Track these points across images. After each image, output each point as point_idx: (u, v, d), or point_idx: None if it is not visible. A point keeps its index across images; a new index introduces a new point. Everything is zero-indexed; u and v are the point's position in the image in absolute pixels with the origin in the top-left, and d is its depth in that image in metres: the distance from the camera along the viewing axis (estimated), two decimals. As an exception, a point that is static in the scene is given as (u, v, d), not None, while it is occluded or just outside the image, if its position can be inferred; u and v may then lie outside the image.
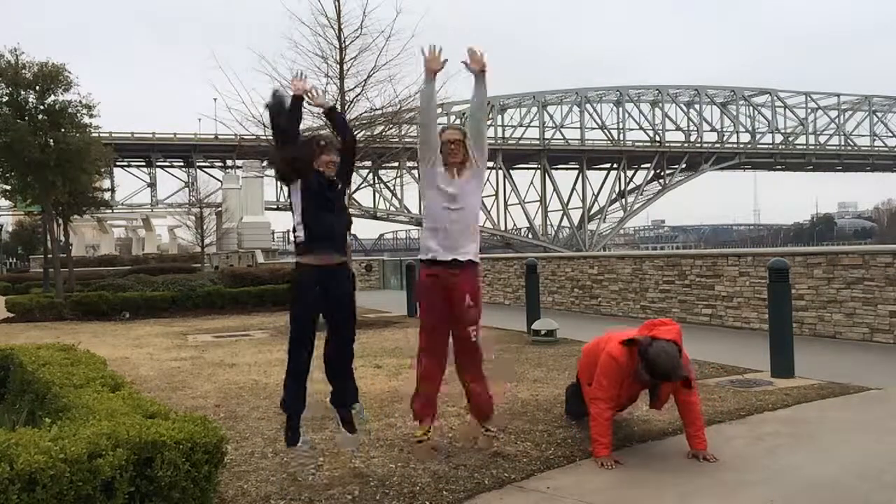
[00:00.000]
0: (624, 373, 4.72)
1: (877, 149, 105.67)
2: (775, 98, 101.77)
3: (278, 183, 68.20)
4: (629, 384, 4.79)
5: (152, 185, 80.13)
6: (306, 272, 4.69)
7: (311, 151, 4.69)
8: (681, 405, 4.83)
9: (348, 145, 4.98)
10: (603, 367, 4.80)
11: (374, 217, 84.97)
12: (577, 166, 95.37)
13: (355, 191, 19.62)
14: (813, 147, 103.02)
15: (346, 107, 14.29)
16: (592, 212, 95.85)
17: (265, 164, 66.24)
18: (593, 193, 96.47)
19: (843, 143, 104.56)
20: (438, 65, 4.99)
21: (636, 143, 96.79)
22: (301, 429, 4.73)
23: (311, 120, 15.08)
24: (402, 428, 5.67)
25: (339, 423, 4.88)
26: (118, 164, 69.37)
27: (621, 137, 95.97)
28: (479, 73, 5.05)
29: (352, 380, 4.94)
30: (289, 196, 4.79)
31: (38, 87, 19.33)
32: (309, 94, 4.84)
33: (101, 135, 29.27)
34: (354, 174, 22.55)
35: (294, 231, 4.76)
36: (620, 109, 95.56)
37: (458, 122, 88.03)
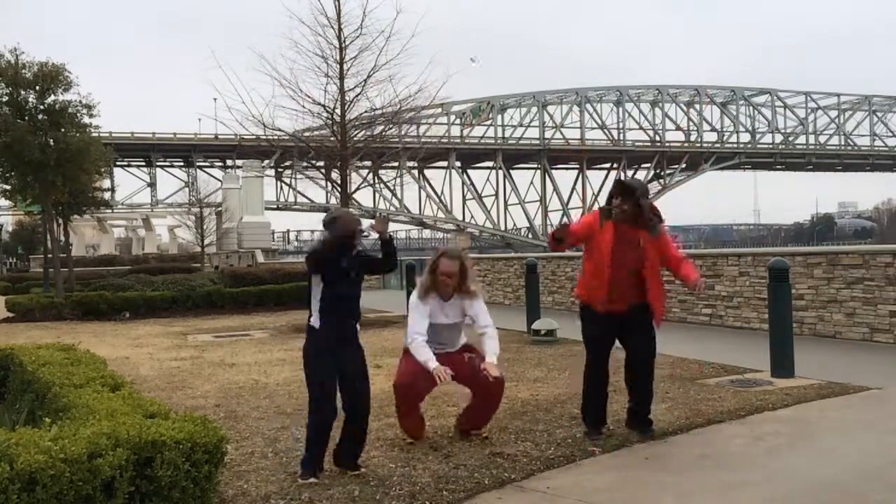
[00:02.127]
0: (595, 224, 5.11)
1: (877, 149, 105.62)
2: (775, 98, 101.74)
3: (279, 182, 67.73)
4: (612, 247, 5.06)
5: (152, 184, 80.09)
6: (322, 337, 4.61)
7: (351, 232, 4.62)
8: (672, 264, 5.30)
9: (384, 265, 4.91)
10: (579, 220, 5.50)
11: (375, 217, 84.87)
12: (577, 166, 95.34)
13: (355, 191, 19.61)
14: (813, 147, 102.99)
15: (346, 107, 14.29)
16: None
17: (266, 163, 66.48)
18: (593, 193, 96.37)
19: (843, 142, 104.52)
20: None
21: (636, 143, 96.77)
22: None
23: (311, 120, 15.13)
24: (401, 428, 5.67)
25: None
26: (118, 164, 69.31)
27: (621, 137, 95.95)
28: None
29: (363, 443, 4.81)
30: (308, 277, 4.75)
31: (38, 87, 19.35)
32: (377, 230, 4.79)
33: (101, 135, 29.27)
34: (354, 174, 22.58)
35: (310, 317, 4.67)
36: (620, 109, 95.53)
37: (457, 121, 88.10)
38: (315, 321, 4.63)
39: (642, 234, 5.08)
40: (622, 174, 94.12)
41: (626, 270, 5.12)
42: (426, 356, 4.93)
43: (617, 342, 5.38)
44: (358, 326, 4.80)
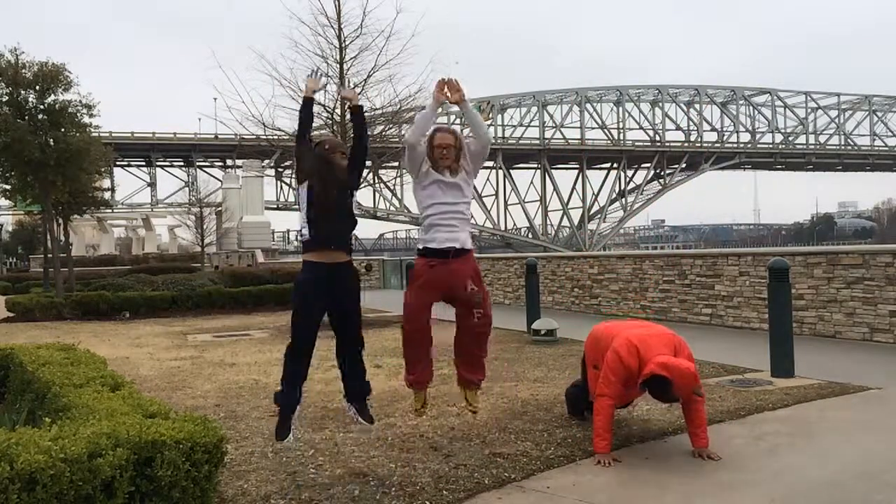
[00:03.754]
0: (630, 373, 4.74)
1: (877, 148, 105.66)
2: (775, 98, 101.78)
3: (279, 182, 67.72)
4: (635, 383, 4.80)
5: (152, 184, 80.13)
6: (313, 268, 4.76)
7: (323, 152, 4.80)
8: (685, 406, 4.86)
9: (362, 149, 5.04)
10: (610, 364, 4.84)
11: (374, 217, 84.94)
12: (577, 166, 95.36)
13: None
14: (813, 147, 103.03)
15: (346, 107, 14.28)
16: (592, 211, 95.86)
17: (266, 163, 66.43)
18: (593, 193, 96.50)
19: (843, 142, 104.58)
20: (451, 97, 5.06)
21: (636, 143, 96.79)
22: (292, 425, 4.86)
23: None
24: (401, 428, 5.67)
25: (356, 415, 5.03)
26: (118, 163, 69.34)
27: (621, 137, 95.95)
28: (462, 102, 5.08)
29: (364, 376, 5.08)
30: (296, 194, 4.92)
31: (38, 87, 19.34)
32: (346, 97, 5.13)
33: (101, 134, 29.24)
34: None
35: (300, 229, 4.83)
36: (620, 109, 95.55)
37: (457, 121, 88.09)
38: (306, 232, 4.76)
39: None
40: (622, 174, 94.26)
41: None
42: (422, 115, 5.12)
43: None
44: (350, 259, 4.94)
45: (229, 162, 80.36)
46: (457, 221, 5.02)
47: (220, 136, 66.64)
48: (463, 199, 5.09)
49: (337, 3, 13.99)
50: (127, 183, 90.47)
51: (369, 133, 14.96)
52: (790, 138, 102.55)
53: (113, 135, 59.09)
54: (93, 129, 21.73)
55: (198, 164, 77.31)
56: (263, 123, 14.45)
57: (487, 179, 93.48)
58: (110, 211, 59.92)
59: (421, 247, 5.11)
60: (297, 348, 4.80)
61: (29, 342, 8.47)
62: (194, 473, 3.24)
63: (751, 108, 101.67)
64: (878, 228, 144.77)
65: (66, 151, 19.20)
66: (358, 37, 13.96)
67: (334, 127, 14.55)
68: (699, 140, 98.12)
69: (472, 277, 5.07)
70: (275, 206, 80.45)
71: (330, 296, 4.78)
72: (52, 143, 19.20)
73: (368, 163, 19.68)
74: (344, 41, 14.00)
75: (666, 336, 4.91)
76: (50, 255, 27.51)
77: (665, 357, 4.63)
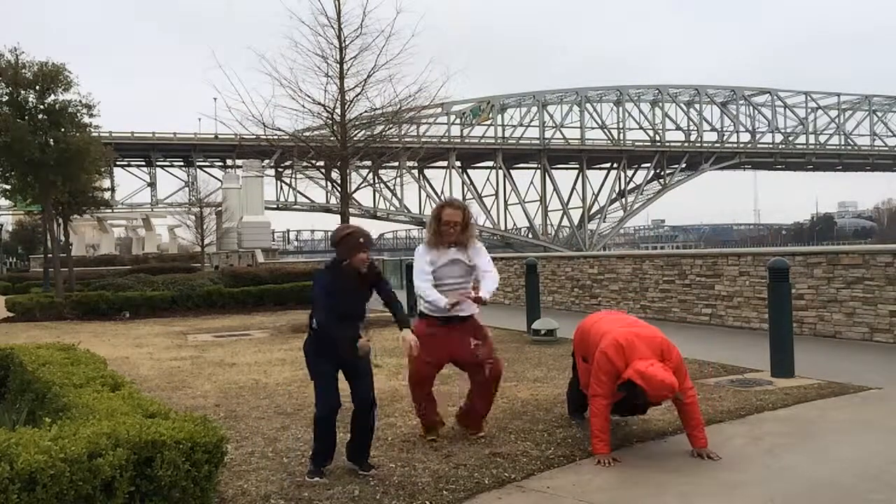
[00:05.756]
0: (619, 372, 4.75)
1: (877, 148, 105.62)
2: (775, 98, 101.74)
3: (279, 182, 67.60)
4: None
5: (152, 184, 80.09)
6: (323, 337, 4.60)
7: (349, 249, 4.57)
8: (679, 408, 4.87)
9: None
10: (599, 364, 4.86)
11: (374, 217, 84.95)
12: (577, 166, 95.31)
13: (355, 191, 19.72)
14: (813, 147, 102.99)
15: (346, 106, 14.27)
16: (592, 211, 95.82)
17: (266, 163, 66.47)
18: (593, 193, 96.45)
19: (843, 142, 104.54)
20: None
21: (636, 143, 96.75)
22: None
23: (311, 120, 15.11)
24: (401, 428, 5.68)
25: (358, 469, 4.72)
26: (118, 163, 69.30)
27: (621, 137, 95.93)
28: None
29: (369, 441, 4.77)
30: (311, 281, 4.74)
31: (38, 87, 19.33)
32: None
33: (101, 134, 29.26)
34: (354, 174, 22.57)
35: (312, 318, 4.66)
36: (620, 109, 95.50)
37: (457, 121, 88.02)
38: (316, 324, 4.63)
39: None
40: (622, 174, 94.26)
41: None
42: (433, 296, 5.03)
43: None
44: (361, 325, 4.77)
45: (229, 162, 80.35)
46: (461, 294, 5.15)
47: (220, 136, 66.59)
48: (468, 277, 5.24)
49: (337, 3, 13.97)
50: (127, 183, 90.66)
51: (369, 133, 15.01)
52: (790, 138, 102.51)
53: (113, 135, 59.05)
54: (93, 129, 21.73)
55: (198, 164, 77.26)
56: (263, 123, 14.42)
57: (487, 179, 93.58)
58: (110, 211, 59.89)
59: (423, 310, 5.22)
60: (320, 408, 4.61)
61: (29, 342, 8.48)
62: (194, 473, 3.24)
63: (751, 108, 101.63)
64: (878, 228, 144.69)
65: (66, 151, 19.20)
66: (358, 37, 13.96)
67: (334, 127, 14.55)
68: (699, 140, 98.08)
69: (475, 335, 5.23)
70: (275, 206, 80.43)
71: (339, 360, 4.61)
72: (52, 143, 19.20)
73: (368, 163, 19.64)
74: (344, 41, 13.99)
75: (653, 339, 4.86)
76: (50, 255, 27.51)
77: (644, 364, 4.61)
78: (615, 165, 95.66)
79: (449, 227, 5.16)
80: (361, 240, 4.59)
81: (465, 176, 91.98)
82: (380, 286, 4.78)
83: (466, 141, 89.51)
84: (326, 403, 4.56)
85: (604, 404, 4.81)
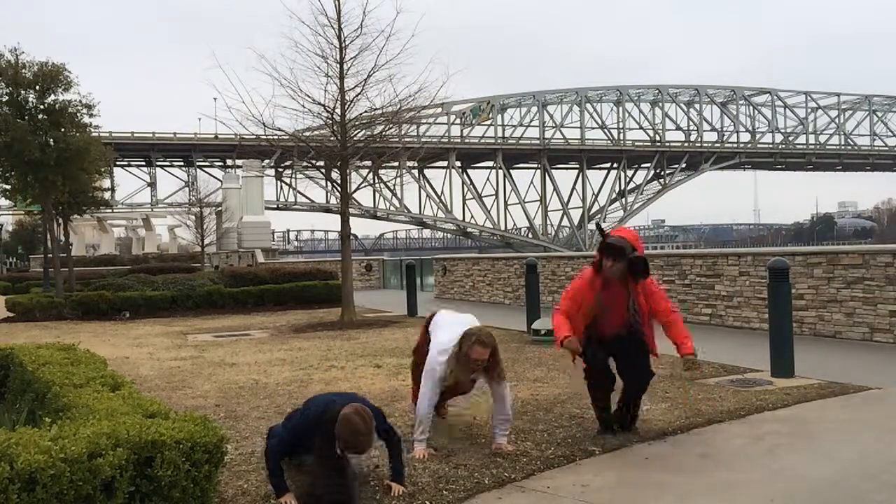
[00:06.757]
0: (586, 284, 5.29)
1: (877, 148, 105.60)
2: (775, 98, 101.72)
3: (279, 182, 67.46)
4: (598, 294, 5.24)
5: (152, 184, 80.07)
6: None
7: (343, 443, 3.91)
8: (665, 324, 5.27)
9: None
10: (571, 284, 5.55)
11: (375, 217, 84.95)
12: (577, 166, 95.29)
13: (355, 191, 19.68)
14: (813, 147, 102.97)
15: (346, 106, 14.27)
16: (592, 211, 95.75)
17: (266, 163, 66.48)
18: (593, 193, 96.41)
19: (843, 142, 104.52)
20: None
21: (636, 143, 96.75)
22: None
23: (311, 120, 15.11)
24: (401, 427, 5.67)
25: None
26: (118, 163, 69.32)
27: (621, 137, 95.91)
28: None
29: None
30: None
31: (38, 87, 19.33)
32: None
33: (101, 134, 29.27)
34: (354, 174, 22.56)
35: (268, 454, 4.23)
36: (620, 109, 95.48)
37: (457, 121, 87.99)
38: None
39: (632, 286, 5.20)
40: (622, 174, 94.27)
41: (611, 315, 5.27)
42: (422, 430, 4.98)
43: None
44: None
45: (229, 162, 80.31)
46: None
47: (219, 136, 66.58)
48: (475, 389, 5.29)
49: (337, 3, 13.98)
50: (127, 183, 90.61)
51: (369, 133, 15.02)
52: (790, 138, 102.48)
53: (113, 135, 59.07)
54: (93, 129, 21.74)
55: (198, 164, 77.23)
56: (263, 123, 14.43)
57: (487, 179, 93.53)
58: (110, 211, 59.92)
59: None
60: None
61: (29, 342, 8.48)
62: (194, 473, 3.24)
63: (751, 108, 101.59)
64: (878, 228, 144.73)
65: (66, 151, 19.20)
66: (358, 37, 13.97)
67: (334, 127, 14.56)
68: (699, 140, 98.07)
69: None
70: (275, 206, 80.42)
71: None
72: (52, 143, 19.19)
73: (368, 163, 19.65)
74: (344, 41, 14.00)
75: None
76: (50, 255, 27.50)
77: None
78: (615, 165, 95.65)
79: (477, 364, 4.84)
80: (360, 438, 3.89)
81: (465, 176, 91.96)
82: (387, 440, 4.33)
83: (466, 141, 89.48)
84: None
85: (560, 311, 5.36)
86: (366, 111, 14.90)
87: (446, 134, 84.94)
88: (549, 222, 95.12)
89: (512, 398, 5.27)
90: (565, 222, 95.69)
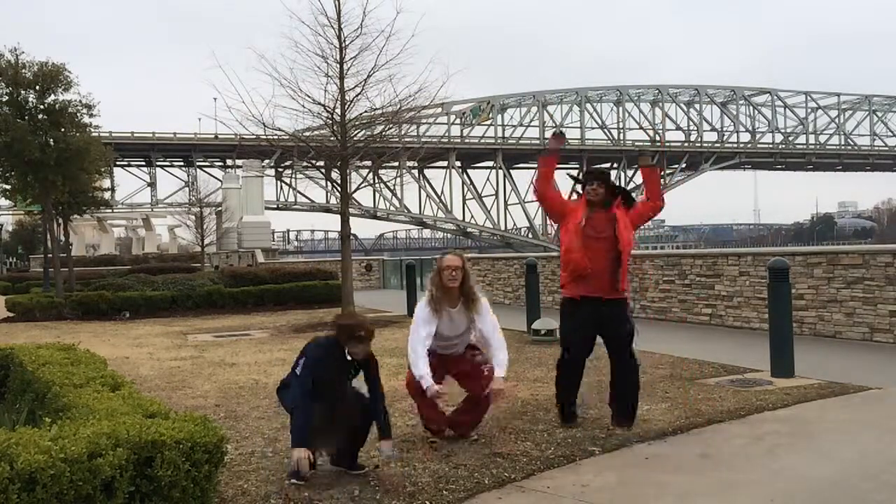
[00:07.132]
0: (575, 204, 5.82)
1: (877, 148, 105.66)
2: (775, 98, 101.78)
3: (279, 182, 67.43)
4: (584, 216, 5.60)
5: (152, 184, 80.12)
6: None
7: (346, 339, 4.51)
8: (650, 205, 5.85)
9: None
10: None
11: (374, 217, 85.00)
12: (578, 166, 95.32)
13: (355, 191, 19.74)
14: (813, 147, 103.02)
15: (346, 106, 14.25)
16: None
17: (266, 163, 66.48)
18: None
19: (843, 142, 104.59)
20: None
21: (636, 143, 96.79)
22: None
23: (311, 120, 15.10)
24: (401, 427, 5.67)
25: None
26: (118, 163, 69.35)
27: (621, 137, 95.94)
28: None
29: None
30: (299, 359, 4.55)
31: (38, 87, 19.32)
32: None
33: (101, 134, 29.25)
34: (354, 174, 22.54)
35: (292, 406, 4.50)
36: (620, 109, 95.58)
37: (456, 121, 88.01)
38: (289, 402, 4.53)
39: (617, 212, 5.53)
40: (622, 174, 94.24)
41: (598, 246, 5.52)
42: (421, 371, 4.97)
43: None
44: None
45: (229, 162, 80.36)
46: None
47: (219, 136, 66.62)
48: (468, 333, 5.34)
49: (337, 3, 13.96)
50: (127, 183, 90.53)
51: (369, 133, 15.01)
52: (790, 138, 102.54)
53: (113, 135, 59.11)
54: (93, 129, 21.73)
55: (198, 164, 77.27)
56: (263, 123, 14.40)
57: (487, 179, 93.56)
58: (110, 211, 59.93)
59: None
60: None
61: (29, 342, 8.48)
62: (194, 473, 3.24)
63: (751, 108, 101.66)
64: (878, 228, 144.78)
65: (66, 151, 19.18)
66: (358, 37, 13.93)
67: (334, 127, 14.54)
68: (699, 140, 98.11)
69: (472, 353, 5.37)
70: (275, 206, 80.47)
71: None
72: (52, 143, 19.17)
73: (368, 163, 19.65)
74: (344, 41, 13.97)
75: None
76: (50, 255, 27.49)
77: None
78: (615, 165, 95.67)
79: (450, 272, 5.16)
80: (361, 333, 4.50)
81: (465, 176, 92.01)
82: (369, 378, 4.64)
83: (466, 141, 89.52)
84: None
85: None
86: (366, 111, 14.88)
87: (446, 134, 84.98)
88: (549, 222, 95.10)
89: (503, 340, 5.36)
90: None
